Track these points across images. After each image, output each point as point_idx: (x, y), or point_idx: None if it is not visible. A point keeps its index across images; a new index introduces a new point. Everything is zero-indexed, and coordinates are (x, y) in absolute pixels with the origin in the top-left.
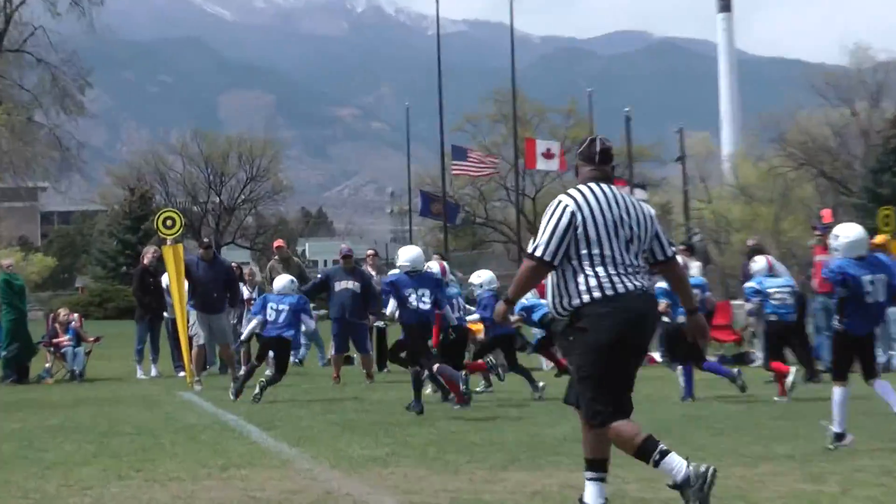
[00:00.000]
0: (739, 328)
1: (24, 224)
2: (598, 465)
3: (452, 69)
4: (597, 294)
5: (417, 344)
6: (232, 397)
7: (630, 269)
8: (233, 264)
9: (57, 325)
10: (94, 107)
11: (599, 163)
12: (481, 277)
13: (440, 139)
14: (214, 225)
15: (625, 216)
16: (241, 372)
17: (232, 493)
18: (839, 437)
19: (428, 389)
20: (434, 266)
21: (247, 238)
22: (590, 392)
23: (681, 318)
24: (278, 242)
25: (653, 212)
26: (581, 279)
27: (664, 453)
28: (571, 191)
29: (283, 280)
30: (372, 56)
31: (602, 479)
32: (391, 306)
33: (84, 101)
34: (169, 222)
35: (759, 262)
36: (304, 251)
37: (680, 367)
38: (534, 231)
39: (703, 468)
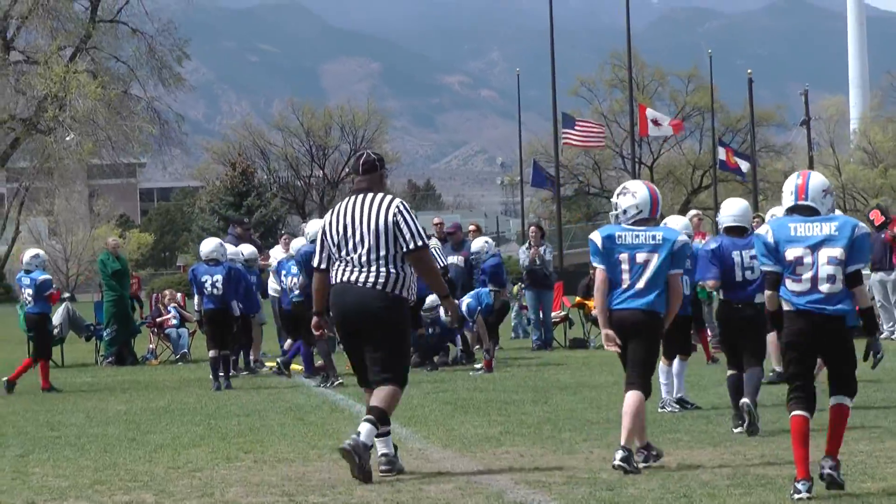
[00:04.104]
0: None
1: (122, 202)
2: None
3: (566, 33)
4: (333, 281)
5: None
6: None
7: (349, 264)
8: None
9: (160, 306)
10: (192, 78)
11: (361, 173)
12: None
13: (552, 106)
14: (318, 199)
15: (356, 219)
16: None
17: (343, 474)
18: None
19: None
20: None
21: None
22: None
23: None
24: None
25: (391, 212)
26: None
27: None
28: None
29: None
30: (481, 20)
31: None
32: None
33: (182, 73)
34: None
35: None
36: None
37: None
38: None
39: None
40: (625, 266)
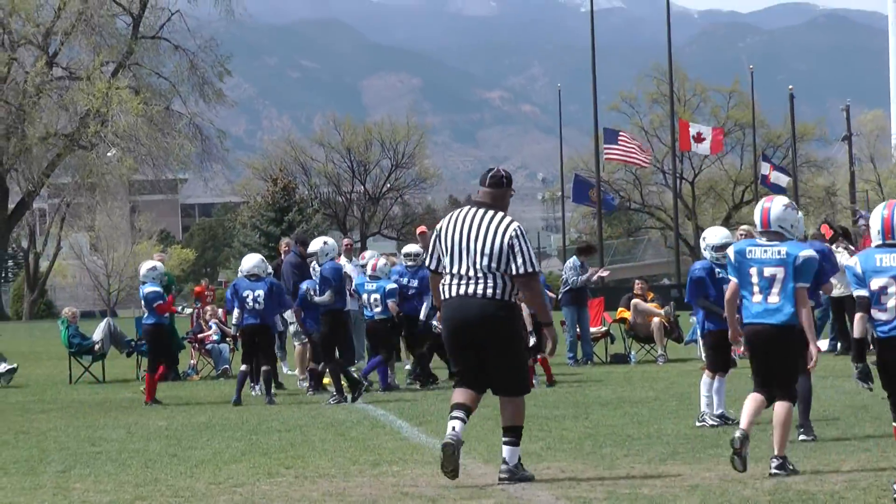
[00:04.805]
0: None
1: (164, 217)
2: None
3: (607, 48)
4: (444, 296)
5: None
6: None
7: (464, 278)
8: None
9: (202, 322)
10: (233, 94)
11: (486, 186)
12: None
13: (594, 121)
14: (360, 215)
15: (472, 234)
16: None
17: (384, 490)
18: None
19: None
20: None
21: (393, 228)
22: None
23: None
24: (421, 229)
25: (507, 235)
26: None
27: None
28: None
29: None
30: (522, 36)
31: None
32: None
33: (223, 89)
34: None
35: None
36: None
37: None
38: (692, 217)
39: None
40: (754, 279)
